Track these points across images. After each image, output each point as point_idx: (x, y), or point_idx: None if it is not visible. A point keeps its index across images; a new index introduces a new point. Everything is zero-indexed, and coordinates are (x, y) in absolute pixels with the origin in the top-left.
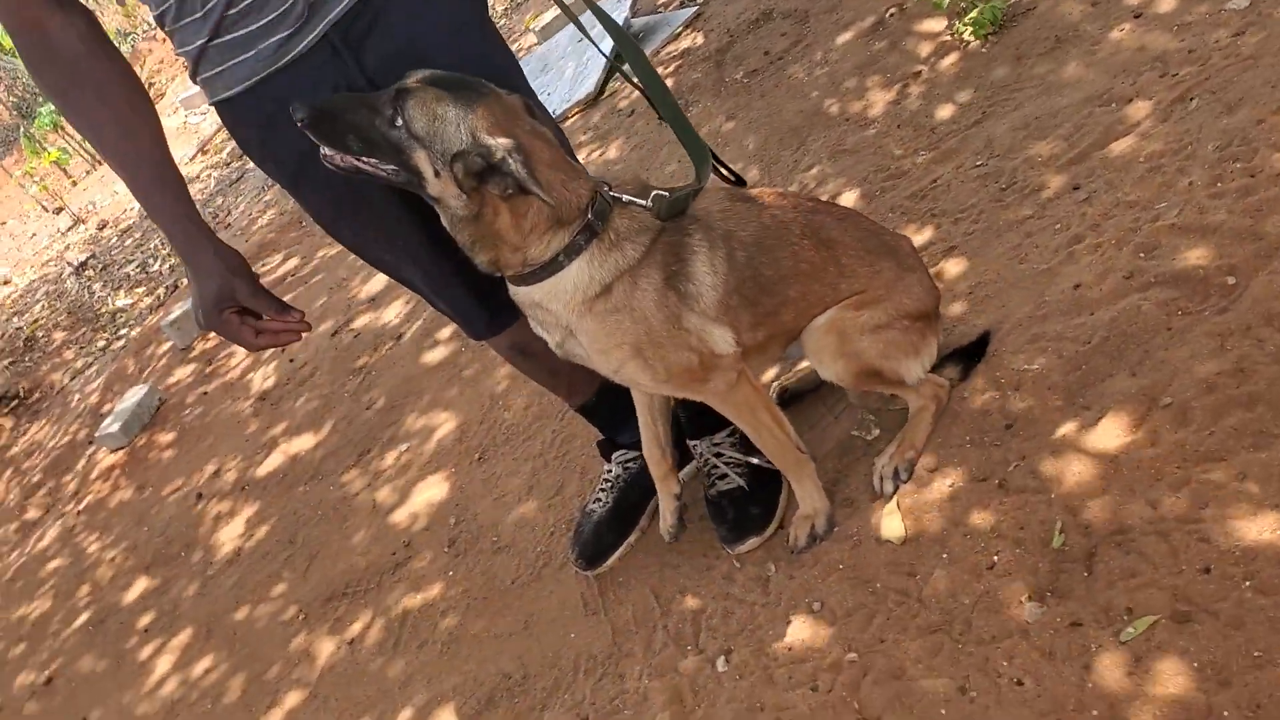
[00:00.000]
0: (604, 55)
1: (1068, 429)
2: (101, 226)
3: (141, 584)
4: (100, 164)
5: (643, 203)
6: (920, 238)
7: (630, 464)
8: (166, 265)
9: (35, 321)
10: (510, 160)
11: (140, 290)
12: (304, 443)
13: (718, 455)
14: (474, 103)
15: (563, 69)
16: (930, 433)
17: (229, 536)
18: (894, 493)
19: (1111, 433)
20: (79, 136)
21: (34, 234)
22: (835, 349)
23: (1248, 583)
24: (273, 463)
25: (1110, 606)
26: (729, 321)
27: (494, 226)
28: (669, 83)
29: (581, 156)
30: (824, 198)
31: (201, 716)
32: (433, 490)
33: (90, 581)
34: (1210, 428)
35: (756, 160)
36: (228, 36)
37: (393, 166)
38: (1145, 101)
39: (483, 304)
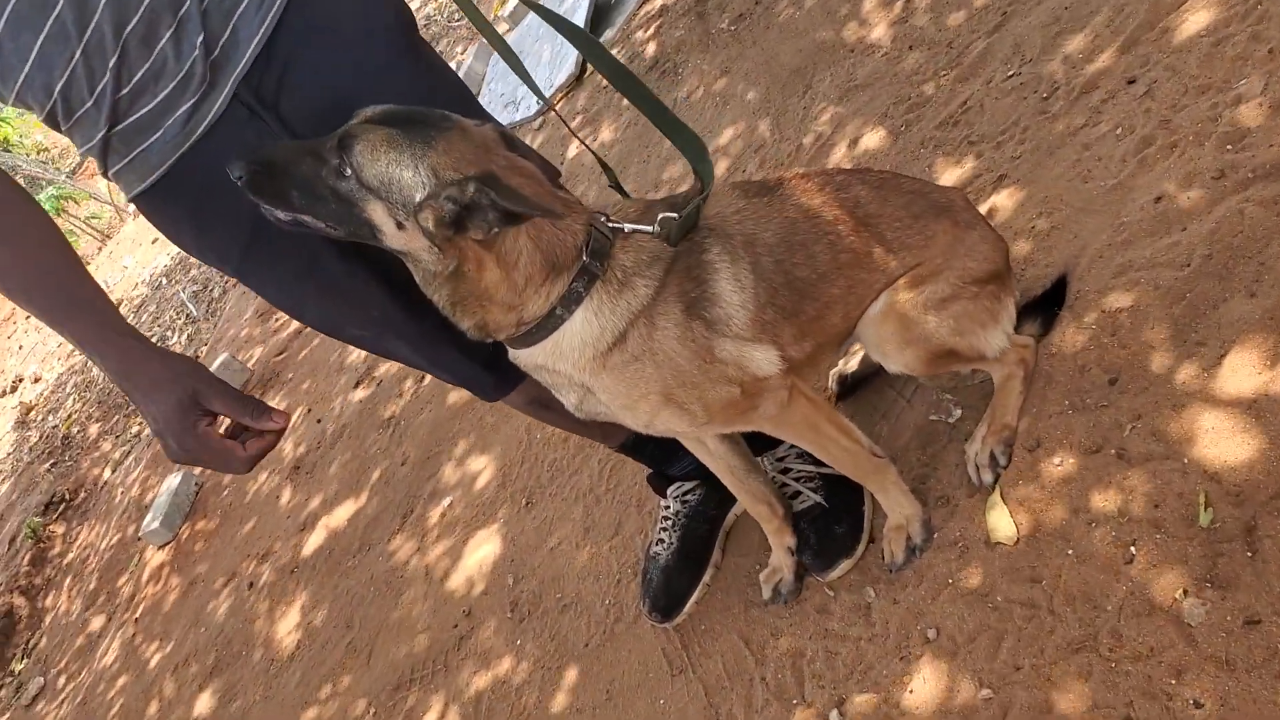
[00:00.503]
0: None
1: (1186, 374)
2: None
3: (207, 696)
4: (108, 239)
5: (649, 229)
6: (961, 171)
7: (689, 496)
8: (184, 335)
9: (69, 418)
10: (486, 193)
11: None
12: (345, 512)
13: (784, 472)
14: (433, 139)
15: (539, 53)
16: (1023, 403)
17: (286, 628)
18: (995, 482)
19: (1241, 370)
20: (83, 216)
21: None
22: (900, 337)
23: None
24: (317, 539)
25: None
26: (769, 338)
27: (480, 283)
28: (649, 47)
29: (575, 147)
30: (843, 143)
31: None
32: (485, 547)
33: (157, 698)
34: None
35: (762, 114)
36: (128, 121)
37: (340, 224)
38: None
39: (486, 365)
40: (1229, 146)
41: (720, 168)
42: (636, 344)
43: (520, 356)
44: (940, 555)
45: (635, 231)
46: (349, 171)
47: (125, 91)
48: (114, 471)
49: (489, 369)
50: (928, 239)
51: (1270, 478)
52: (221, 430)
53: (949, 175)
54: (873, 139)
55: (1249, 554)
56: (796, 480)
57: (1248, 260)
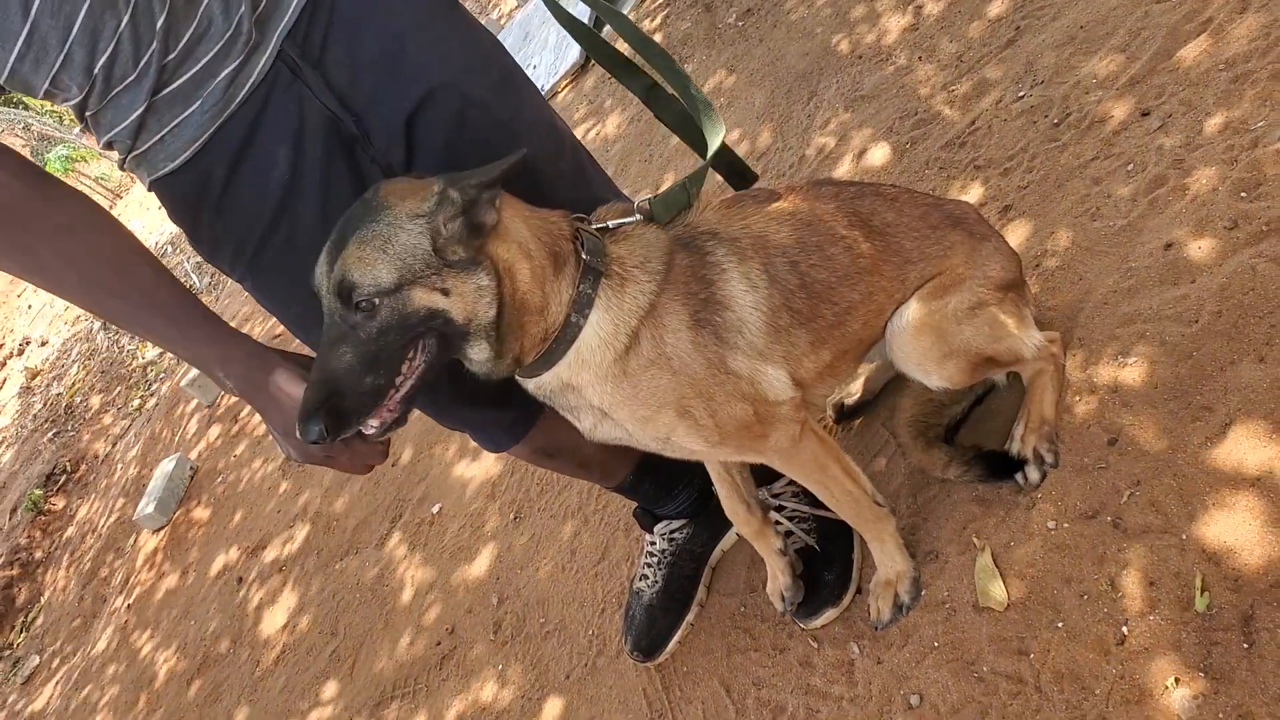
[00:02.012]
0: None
1: (1188, 441)
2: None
3: (194, 690)
4: (119, 199)
5: (631, 218)
6: (967, 199)
7: (676, 535)
8: None
9: (73, 386)
10: (462, 185)
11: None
12: (335, 509)
13: (779, 510)
14: (380, 204)
15: (545, 38)
16: (1060, 396)
17: (272, 629)
18: (1041, 480)
19: (1246, 442)
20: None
21: None
22: (939, 352)
23: None
24: (306, 537)
25: None
26: (782, 354)
27: (519, 294)
28: (654, 39)
29: (579, 133)
30: (847, 157)
31: None
32: (472, 563)
33: (148, 691)
34: None
35: (766, 120)
36: (168, 89)
37: (424, 343)
38: None
39: (494, 418)
40: (1243, 194)
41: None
42: (649, 347)
43: (543, 383)
44: (927, 615)
45: (620, 225)
46: (375, 303)
47: (172, 56)
48: (114, 446)
49: (497, 423)
50: (946, 249)
51: (1271, 564)
52: None
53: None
54: (877, 155)
55: (1245, 645)
56: (790, 519)
57: (1259, 321)
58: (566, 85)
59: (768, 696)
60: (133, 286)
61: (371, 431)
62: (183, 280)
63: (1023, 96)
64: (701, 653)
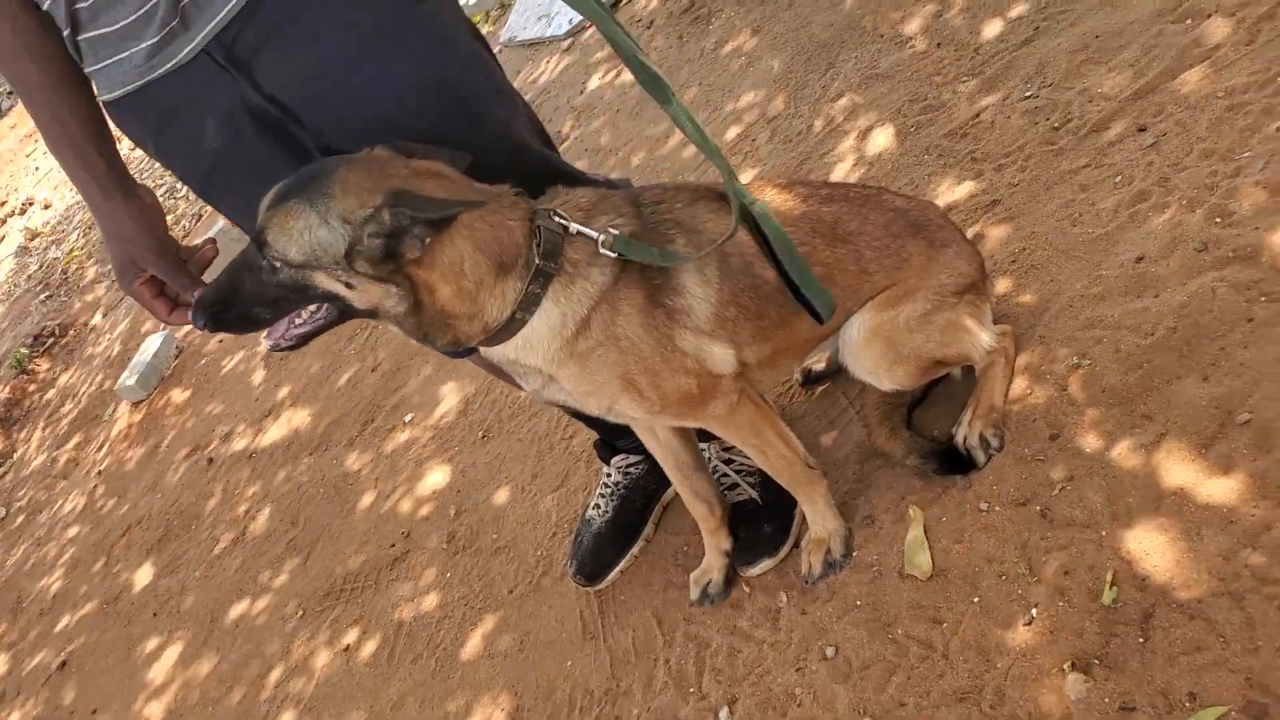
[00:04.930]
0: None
1: (1124, 446)
2: (134, 147)
3: (153, 565)
4: None
5: (591, 233)
6: (959, 190)
7: (631, 469)
8: (174, 197)
9: (70, 253)
10: (402, 211)
11: (169, 218)
12: (310, 406)
13: (728, 462)
14: (327, 188)
15: None
16: (1009, 385)
17: (235, 513)
18: (986, 463)
19: (1175, 456)
20: None
21: None
22: (889, 358)
23: None
24: (279, 429)
25: (1169, 689)
26: (728, 336)
27: (438, 305)
28: None
29: (596, 79)
30: (852, 134)
31: None
32: (435, 473)
33: (107, 556)
34: None
35: (782, 86)
36: (89, 34)
37: (316, 307)
38: (1225, 19)
39: None
40: (1218, 219)
41: (731, 134)
42: (600, 329)
43: (492, 353)
44: (854, 576)
45: (580, 234)
46: (279, 263)
47: (83, 4)
48: (104, 317)
49: None
50: (902, 260)
51: (1176, 571)
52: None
53: (945, 189)
54: (881, 136)
55: (1141, 640)
56: (738, 472)
57: (1210, 342)
58: (592, 25)
59: (695, 632)
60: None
61: (265, 346)
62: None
63: (1029, 96)
64: (641, 585)
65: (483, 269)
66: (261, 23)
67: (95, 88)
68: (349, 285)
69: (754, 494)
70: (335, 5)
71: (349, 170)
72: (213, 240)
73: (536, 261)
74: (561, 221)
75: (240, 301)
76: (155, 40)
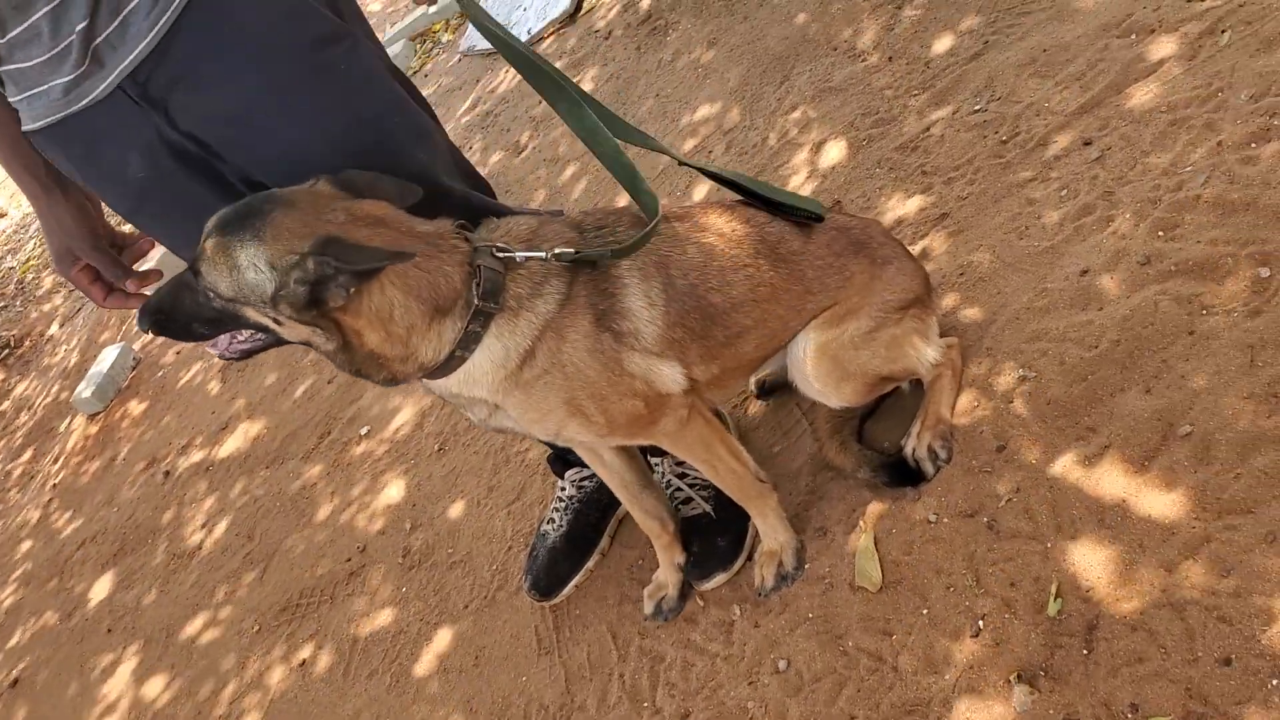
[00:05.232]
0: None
1: (1068, 459)
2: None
3: (108, 579)
4: None
5: (540, 255)
6: (909, 203)
7: (585, 482)
8: None
9: (27, 262)
10: (327, 262)
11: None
12: (266, 419)
13: (680, 476)
14: (259, 229)
15: None
16: (957, 397)
17: (192, 527)
18: (935, 474)
19: (1119, 467)
20: None
21: None
22: (836, 376)
23: (1275, 680)
24: (236, 442)
25: (1112, 700)
26: (676, 356)
27: (366, 349)
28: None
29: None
30: (806, 147)
31: None
32: (390, 487)
33: (61, 571)
34: (1236, 468)
35: (737, 99)
36: (6, 67)
37: (252, 333)
38: (1169, 35)
39: None
40: (1161, 233)
41: (687, 145)
42: (545, 358)
43: (433, 386)
44: (806, 588)
45: (529, 259)
46: (210, 294)
47: (1, 40)
48: (61, 327)
49: None
50: (845, 279)
51: (1118, 583)
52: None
53: (896, 202)
54: (834, 149)
55: (1084, 652)
56: (691, 486)
57: (1152, 355)
58: (552, 33)
59: (650, 646)
60: None
61: (212, 352)
62: None
63: (978, 110)
64: (596, 599)
65: (415, 315)
66: (172, 65)
67: (21, 118)
68: (277, 321)
69: (707, 508)
70: (233, 57)
71: (283, 214)
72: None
73: (476, 302)
74: (504, 255)
75: (180, 316)
76: (71, 77)
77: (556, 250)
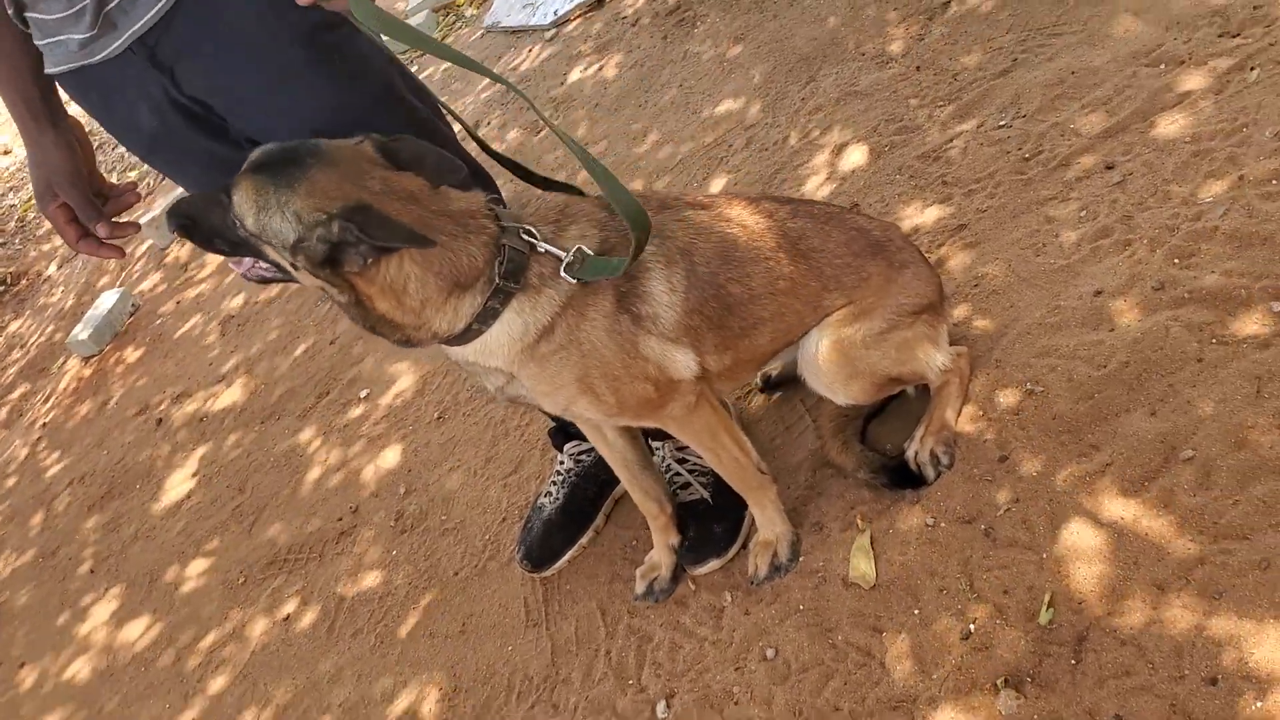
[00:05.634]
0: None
1: (1069, 474)
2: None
3: (93, 521)
4: None
5: (559, 253)
6: (928, 212)
7: (584, 456)
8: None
9: (28, 201)
10: (351, 229)
11: (133, 174)
12: (265, 375)
13: (680, 461)
14: (296, 180)
15: None
16: (962, 406)
17: (182, 475)
18: (935, 479)
19: (1117, 487)
20: None
21: None
22: (845, 373)
23: (1259, 703)
24: (233, 395)
25: (1097, 710)
26: (691, 343)
27: (377, 312)
28: None
29: (578, 72)
30: (826, 149)
31: (129, 687)
32: (387, 451)
33: (46, 508)
34: (1235, 495)
35: (761, 95)
36: (30, 14)
37: (268, 265)
38: (1198, 68)
39: None
40: (1177, 260)
41: (708, 138)
42: (564, 333)
43: (450, 353)
44: (799, 581)
45: (548, 253)
46: (237, 222)
47: None
48: (59, 269)
49: None
50: (862, 279)
51: (1111, 597)
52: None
53: (914, 210)
54: (855, 153)
55: (1073, 662)
56: (690, 472)
57: (1160, 378)
58: (579, 16)
59: (638, 625)
60: None
61: (235, 270)
62: None
63: (1003, 125)
64: (587, 576)
65: (431, 289)
66: (178, 35)
67: (44, 60)
68: (294, 266)
69: (705, 494)
70: (236, 38)
71: (321, 171)
72: (133, 184)
73: (498, 281)
74: (530, 239)
75: (206, 227)
76: (86, 35)
77: (583, 250)
